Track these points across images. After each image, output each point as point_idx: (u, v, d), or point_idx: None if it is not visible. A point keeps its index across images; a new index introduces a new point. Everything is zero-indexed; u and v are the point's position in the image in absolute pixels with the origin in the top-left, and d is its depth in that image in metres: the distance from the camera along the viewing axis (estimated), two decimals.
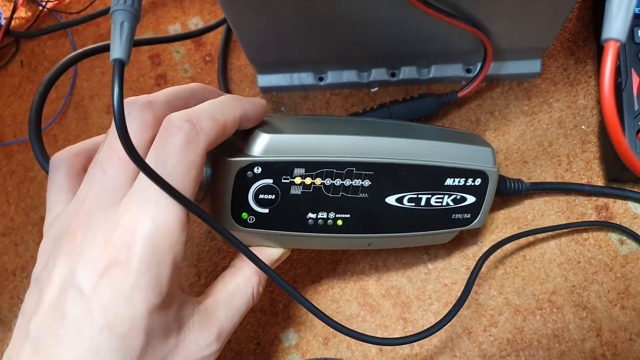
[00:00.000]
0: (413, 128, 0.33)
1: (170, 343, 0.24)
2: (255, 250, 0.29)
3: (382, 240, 0.31)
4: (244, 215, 0.27)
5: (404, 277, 0.36)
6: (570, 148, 0.38)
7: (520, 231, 0.35)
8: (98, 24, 0.46)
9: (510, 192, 0.35)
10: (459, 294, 0.32)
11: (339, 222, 0.29)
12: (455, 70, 0.40)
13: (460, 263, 0.36)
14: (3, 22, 0.46)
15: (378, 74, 0.40)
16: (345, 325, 0.28)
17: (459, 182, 0.30)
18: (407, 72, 0.40)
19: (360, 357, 0.34)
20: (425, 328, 0.30)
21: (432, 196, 0.30)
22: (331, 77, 0.40)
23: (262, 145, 0.26)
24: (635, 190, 0.36)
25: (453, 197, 0.31)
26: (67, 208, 0.24)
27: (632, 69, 0.35)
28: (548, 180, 0.37)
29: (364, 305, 0.36)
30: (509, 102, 0.40)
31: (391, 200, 0.29)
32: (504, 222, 0.37)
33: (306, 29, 0.35)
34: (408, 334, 0.32)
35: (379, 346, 0.34)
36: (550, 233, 0.36)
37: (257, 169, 0.26)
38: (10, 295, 0.39)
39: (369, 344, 0.34)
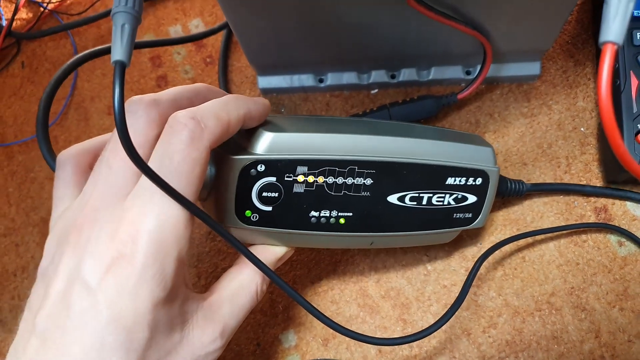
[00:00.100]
0: (413, 128, 0.33)
1: (174, 338, 0.24)
2: (259, 249, 0.29)
3: (384, 240, 0.31)
4: (248, 213, 0.27)
5: (403, 278, 0.36)
6: (569, 150, 0.38)
7: (520, 233, 0.35)
8: (99, 26, 0.47)
9: (511, 192, 0.35)
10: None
11: (342, 221, 0.29)
12: (454, 72, 0.40)
13: (460, 264, 0.36)
14: (4, 23, 0.46)
15: (378, 75, 0.40)
16: (345, 326, 0.28)
17: (460, 181, 0.30)
18: (406, 74, 0.40)
19: (359, 358, 0.34)
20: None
21: (433, 195, 0.30)
22: (331, 78, 0.41)
23: (265, 143, 0.26)
24: (635, 191, 0.36)
25: (454, 196, 0.31)
26: (73, 204, 0.25)
27: (631, 72, 0.35)
28: (547, 182, 0.37)
29: (364, 307, 0.36)
30: (508, 104, 0.40)
31: (393, 198, 0.29)
32: (503, 224, 0.37)
33: (306, 31, 0.35)
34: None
35: (379, 347, 0.34)
36: (549, 235, 0.36)
37: (261, 166, 0.26)
38: (10, 296, 0.39)
39: (369, 345, 0.34)
